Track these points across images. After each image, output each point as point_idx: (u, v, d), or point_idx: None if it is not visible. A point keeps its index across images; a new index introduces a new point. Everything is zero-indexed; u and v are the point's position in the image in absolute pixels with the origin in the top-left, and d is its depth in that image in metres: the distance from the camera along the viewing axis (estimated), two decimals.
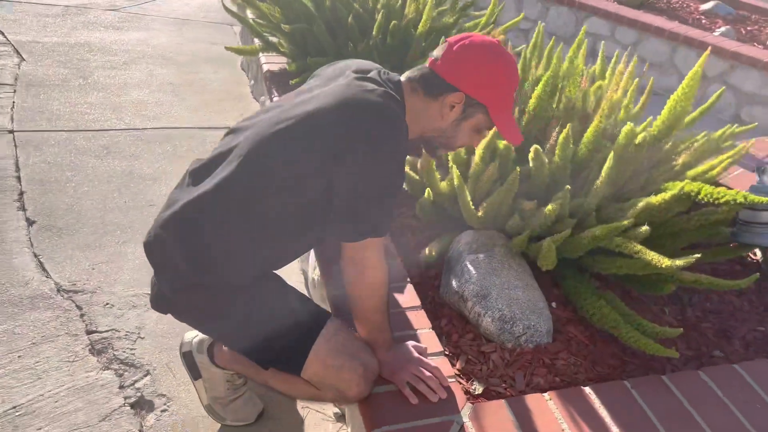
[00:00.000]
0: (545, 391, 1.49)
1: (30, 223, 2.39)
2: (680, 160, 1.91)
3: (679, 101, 1.98)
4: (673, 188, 1.67)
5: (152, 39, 4.83)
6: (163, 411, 1.66)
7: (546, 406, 1.43)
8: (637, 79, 2.08)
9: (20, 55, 4.17)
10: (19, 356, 1.77)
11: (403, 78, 1.49)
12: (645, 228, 1.59)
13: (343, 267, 1.37)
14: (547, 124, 2.05)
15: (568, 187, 1.65)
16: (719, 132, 1.97)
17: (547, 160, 1.74)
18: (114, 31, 4.90)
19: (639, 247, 1.60)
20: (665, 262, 1.52)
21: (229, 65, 4.44)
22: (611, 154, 1.66)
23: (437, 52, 1.45)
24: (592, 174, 1.88)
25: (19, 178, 2.69)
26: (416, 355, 1.47)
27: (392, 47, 2.78)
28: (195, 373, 1.60)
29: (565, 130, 1.70)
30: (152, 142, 3.18)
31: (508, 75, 1.46)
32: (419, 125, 1.48)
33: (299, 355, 1.36)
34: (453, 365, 1.61)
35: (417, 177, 1.96)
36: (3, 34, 4.49)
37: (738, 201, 1.56)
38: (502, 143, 1.77)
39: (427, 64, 1.47)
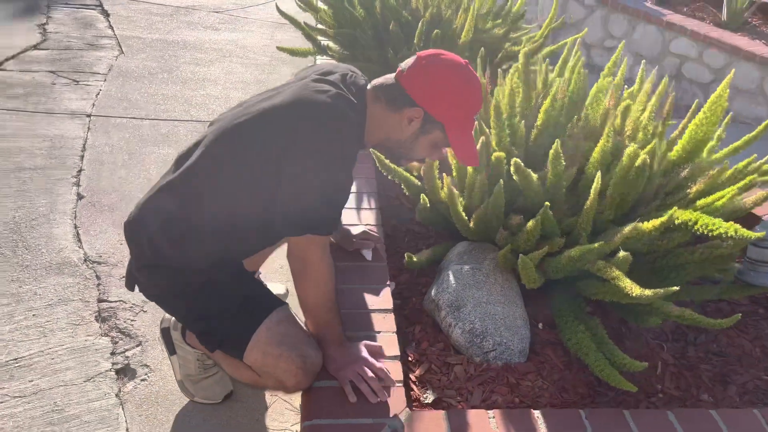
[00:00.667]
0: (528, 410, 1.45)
1: (79, 197, 2.62)
2: (694, 188, 1.80)
3: (701, 126, 1.86)
4: (666, 216, 1.57)
5: (243, 40, 5.09)
6: (143, 380, 1.77)
7: (486, 424, 1.39)
8: (671, 96, 1.96)
9: (121, 49, 4.54)
10: (33, 314, 1.95)
11: (369, 85, 1.51)
12: (624, 254, 1.51)
13: (288, 262, 1.41)
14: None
15: (547, 203, 1.60)
16: (744, 162, 1.83)
17: (535, 176, 1.70)
18: (211, 31, 5.21)
19: (616, 273, 1.52)
20: (636, 290, 1.44)
21: None
22: (597, 175, 1.59)
23: (404, 64, 1.46)
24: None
25: (82, 158, 2.95)
26: (365, 354, 1.48)
27: (394, 33, 2.78)
28: (171, 348, 1.70)
29: (554, 145, 1.64)
30: None
31: (470, 97, 1.45)
32: (379, 133, 1.50)
33: (242, 341, 1.41)
34: (412, 371, 1.61)
35: (417, 182, 1.97)
36: (112, 28, 4.92)
37: (729, 234, 1.45)
38: (495, 154, 1.74)
39: (394, 74, 1.48)
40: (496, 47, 2.94)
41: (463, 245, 1.94)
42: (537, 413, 1.44)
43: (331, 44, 3.06)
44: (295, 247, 1.38)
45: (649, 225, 1.59)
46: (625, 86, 2.16)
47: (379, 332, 1.63)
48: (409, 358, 1.65)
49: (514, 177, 1.67)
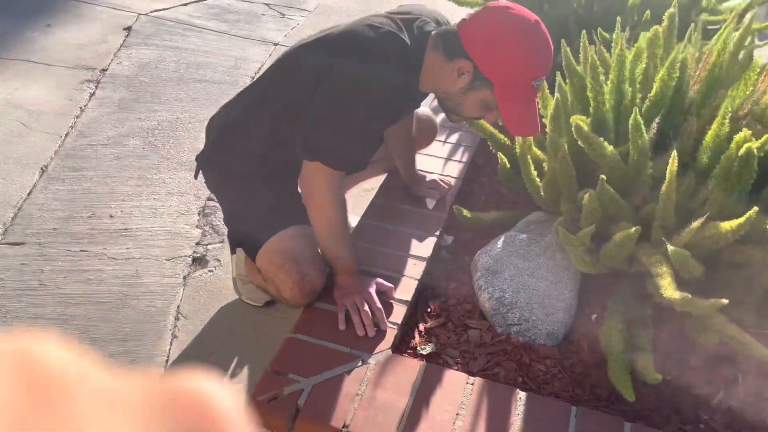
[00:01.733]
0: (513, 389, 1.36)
1: None
2: None
3: None
4: (745, 217, 1.29)
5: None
6: (210, 271, 1.97)
7: (460, 388, 1.32)
8: None
9: None
10: (154, 198, 2.26)
11: (434, 31, 1.45)
12: (675, 249, 1.28)
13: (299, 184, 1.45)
14: (684, 119, 1.72)
15: (603, 177, 1.40)
16: None
17: (610, 147, 1.49)
18: None
19: (663, 269, 1.30)
20: (669, 291, 1.23)
21: None
22: (674, 153, 1.35)
23: (471, 13, 1.38)
24: (708, 187, 1.54)
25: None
26: (370, 289, 1.48)
27: (598, 15, 2.53)
28: (232, 248, 1.86)
29: (633, 114, 1.43)
30: None
31: (528, 57, 1.32)
32: (432, 82, 1.44)
33: (257, 245, 1.50)
34: (425, 322, 1.56)
35: (503, 138, 1.85)
36: None
37: None
38: (573, 118, 1.56)
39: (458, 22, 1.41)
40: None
41: (537, 214, 1.79)
42: (522, 395, 1.32)
43: None
44: (306, 172, 1.42)
45: (727, 225, 1.32)
46: None
47: (403, 275, 1.61)
48: (429, 310, 1.60)
49: (579, 143, 1.49)
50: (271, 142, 1.52)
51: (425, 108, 1.92)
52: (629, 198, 1.58)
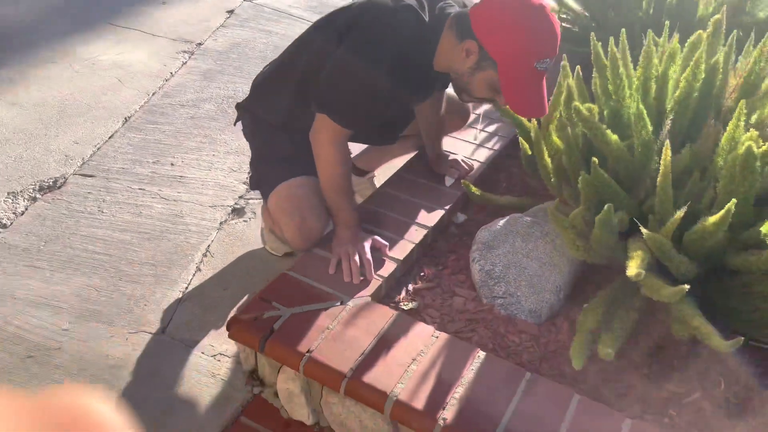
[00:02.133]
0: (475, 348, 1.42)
1: None
2: None
3: None
4: (725, 210, 1.28)
5: None
6: (244, 221, 2.15)
7: (424, 339, 1.40)
8: None
9: None
10: (213, 154, 2.48)
11: (454, 13, 1.53)
12: (652, 235, 1.29)
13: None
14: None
15: (595, 160, 1.43)
16: None
17: (614, 137, 1.51)
18: None
19: (638, 253, 1.32)
20: (631, 270, 1.24)
21: None
22: (666, 143, 1.36)
23: None
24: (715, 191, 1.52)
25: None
26: (364, 243, 1.58)
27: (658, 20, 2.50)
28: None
29: (636, 103, 1.44)
30: None
31: (531, 38, 1.38)
32: (445, 61, 1.53)
33: (270, 188, 1.65)
34: (415, 283, 1.65)
35: (529, 125, 1.89)
36: None
37: None
38: (585, 105, 1.59)
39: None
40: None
41: (551, 203, 1.82)
42: (481, 354, 1.37)
43: (573, 4, 2.95)
44: (315, 125, 1.54)
45: (712, 219, 1.31)
46: None
47: (402, 238, 1.70)
48: (423, 274, 1.68)
49: (583, 128, 1.52)
50: (297, 97, 1.66)
51: None
52: (634, 191, 1.59)
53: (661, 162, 1.39)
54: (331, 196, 1.59)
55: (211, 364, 1.61)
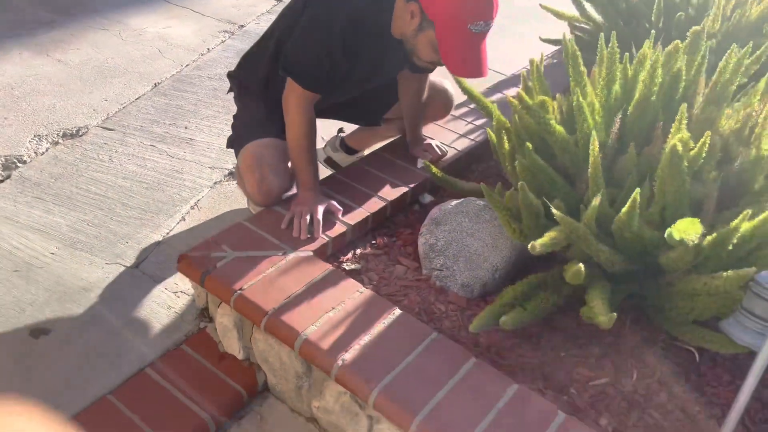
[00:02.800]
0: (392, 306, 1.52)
1: None
2: None
3: None
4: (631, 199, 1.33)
5: None
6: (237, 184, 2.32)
7: (349, 292, 1.51)
8: None
9: None
10: (226, 123, 2.66)
11: None
12: (556, 213, 1.36)
13: None
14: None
15: (529, 145, 1.50)
16: None
17: (559, 128, 1.58)
18: None
19: (551, 233, 1.39)
20: (537, 245, 1.32)
21: None
22: (594, 134, 1.42)
23: None
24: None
25: None
26: (319, 205, 1.71)
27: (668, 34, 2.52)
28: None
29: (575, 98, 1.51)
30: None
31: (466, 2, 1.47)
32: (397, 26, 1.63)
33: (240, 146, 1.80)
34: (364, 249, 1.76)
35: (496, 112, 1.96)
36: None
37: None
38: (538, 98, 1.66)
39: None
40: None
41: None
42: (397, 311, 1.47)
43: (594, 14, 2.99)
44: (285, 90, 1.67)
45: (624, 209, 1.37)
46: None
47: (360, 207, 1.81)
48: (374, 242, 1.79)
49: (520, 112, 1.60)
50: (272, 64, 1.80)
51: (445, 81, 2.10)
52: (577, 183, 1.65)
53: (590, 153, 1.45)
54: (293, 157, 1.72)
55: (170, 299, 1.77)
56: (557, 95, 1.82)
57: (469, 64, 1.54)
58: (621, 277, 1.60)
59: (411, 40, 1.61)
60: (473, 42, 1.53)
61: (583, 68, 1.71)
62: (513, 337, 1.55)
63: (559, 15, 3.16)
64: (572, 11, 3.09)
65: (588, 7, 3.00)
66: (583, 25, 3.07)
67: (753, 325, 1.22)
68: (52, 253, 1.86)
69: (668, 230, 1.20)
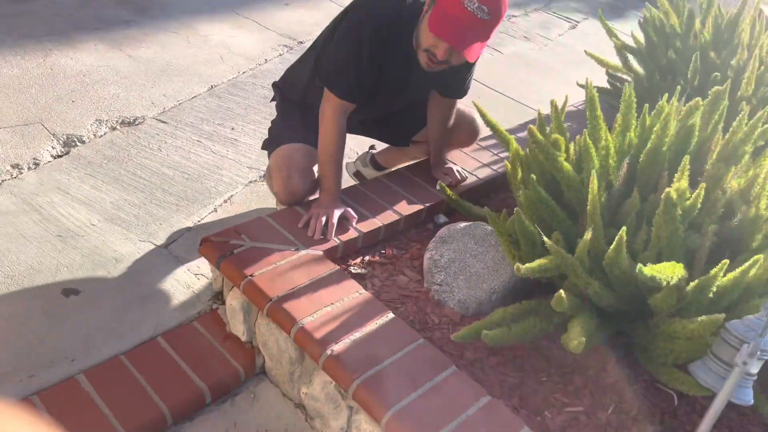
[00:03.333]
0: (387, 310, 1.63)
1: None
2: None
3: None
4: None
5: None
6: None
7: (349, 292, 1.62)
8: None
9: None
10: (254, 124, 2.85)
11: None
12: (548, 242, 1.45)
13: None
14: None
15: (534, 177, 1.59)
16: None
17: (567, 166, 1.67)
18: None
19: (543, 260, 1.47)
20: (522, 269, 1.40)
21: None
22: (594, 176, 1.50)
23: None
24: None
25: None
26: (336, 210, 1.84)
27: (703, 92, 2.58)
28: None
29: (584, 135, 1.60)
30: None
31: None
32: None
33: (274, 147, 1.95)
34: (372, 256, 1.87)
35: (511, 138, 2.06)
36: None
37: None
38: (553, 136, 1.75)
39: None
40: None
41: None
42: (390, 315, 1.58)
43: (636, 65, 3.06)
44: (323, 98, 1.82)
45: (612, 246, 1.45)
46: None
47: (374, 218, 1.93)
48: (383, 251, 1.90)
49: (531, 146, 1.69)
50: (311, 78, 1.96)
51: (474, 111, 2.21)
52: (581, 218, 1.73)
53: (590, 191, 1.54)
54: (320, 162, 1.86)
55: (190, 279, 1.92)
56: (577, 137, 1.91)
57: (446, 26, 1.59)
58: (612, 314, 1.67)
59: (419, 27, 1.70)
60: (463, 16, 1.58)
61: (599, 113, 1.80)
62: (499, 355, 1.62)
63: (601, 62, 3.24)
64: (616, 61, 3.17)
65: (631, 58, 3.08)
66: (623, 75, 3.14)
67: (717, 369, 1.28)
68: (93, 225, 2.05)
69: (639, 265, 1.27)
